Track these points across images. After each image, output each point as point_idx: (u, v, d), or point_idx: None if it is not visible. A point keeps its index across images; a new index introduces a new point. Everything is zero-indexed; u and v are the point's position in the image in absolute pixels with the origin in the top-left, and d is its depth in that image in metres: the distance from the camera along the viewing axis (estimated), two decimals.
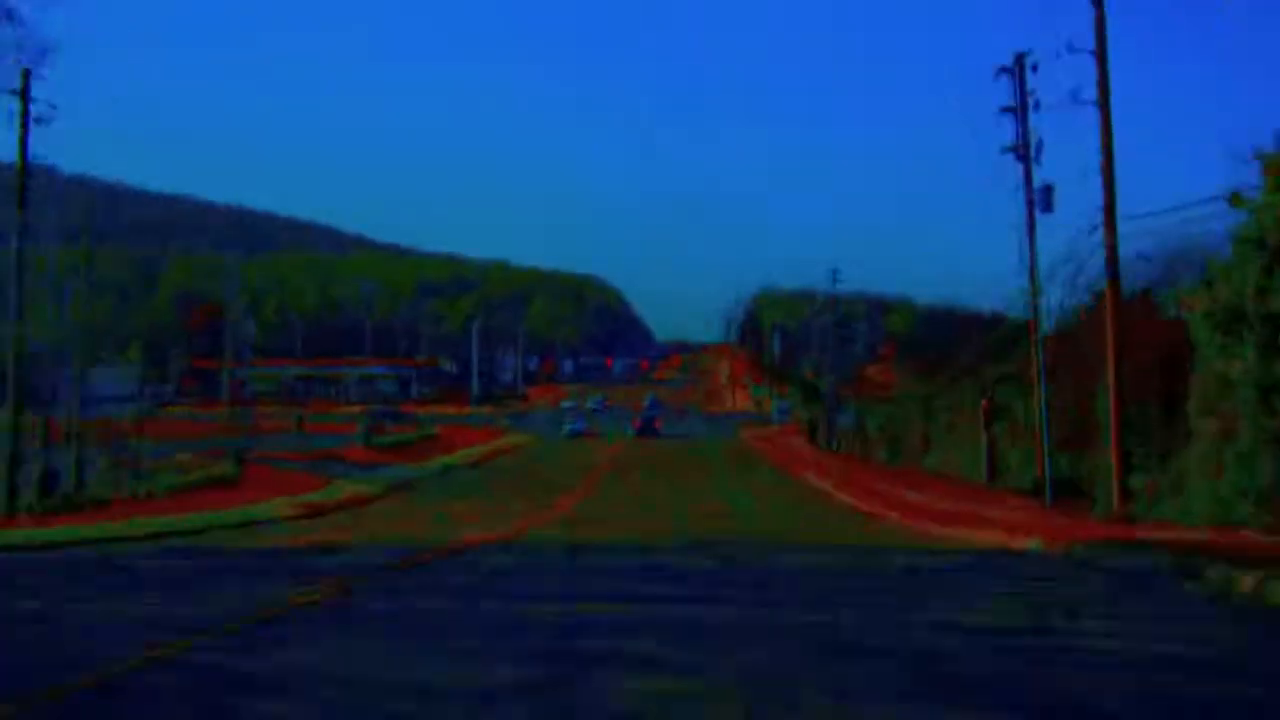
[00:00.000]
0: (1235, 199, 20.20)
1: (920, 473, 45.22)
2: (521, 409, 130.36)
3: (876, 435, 55.12)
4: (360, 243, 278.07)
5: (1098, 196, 25.91)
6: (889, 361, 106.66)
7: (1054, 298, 34.47)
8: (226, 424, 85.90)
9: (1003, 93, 32.82)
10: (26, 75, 34.27)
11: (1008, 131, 32.79)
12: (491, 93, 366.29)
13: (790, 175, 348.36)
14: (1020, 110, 32.62)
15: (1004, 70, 32.91)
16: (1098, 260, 26.69)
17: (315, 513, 34.59)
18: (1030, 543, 20.12)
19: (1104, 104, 26.18)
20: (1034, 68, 32.12)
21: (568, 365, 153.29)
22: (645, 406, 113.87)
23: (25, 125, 34.38)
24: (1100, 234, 26.06)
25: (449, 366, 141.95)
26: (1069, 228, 34.23)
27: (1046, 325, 33.87)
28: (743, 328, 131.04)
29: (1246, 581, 11.84)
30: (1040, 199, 32.22)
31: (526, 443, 79.11)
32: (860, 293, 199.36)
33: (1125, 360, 25.71)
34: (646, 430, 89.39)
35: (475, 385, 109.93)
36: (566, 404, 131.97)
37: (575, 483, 45.75)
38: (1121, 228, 25.92)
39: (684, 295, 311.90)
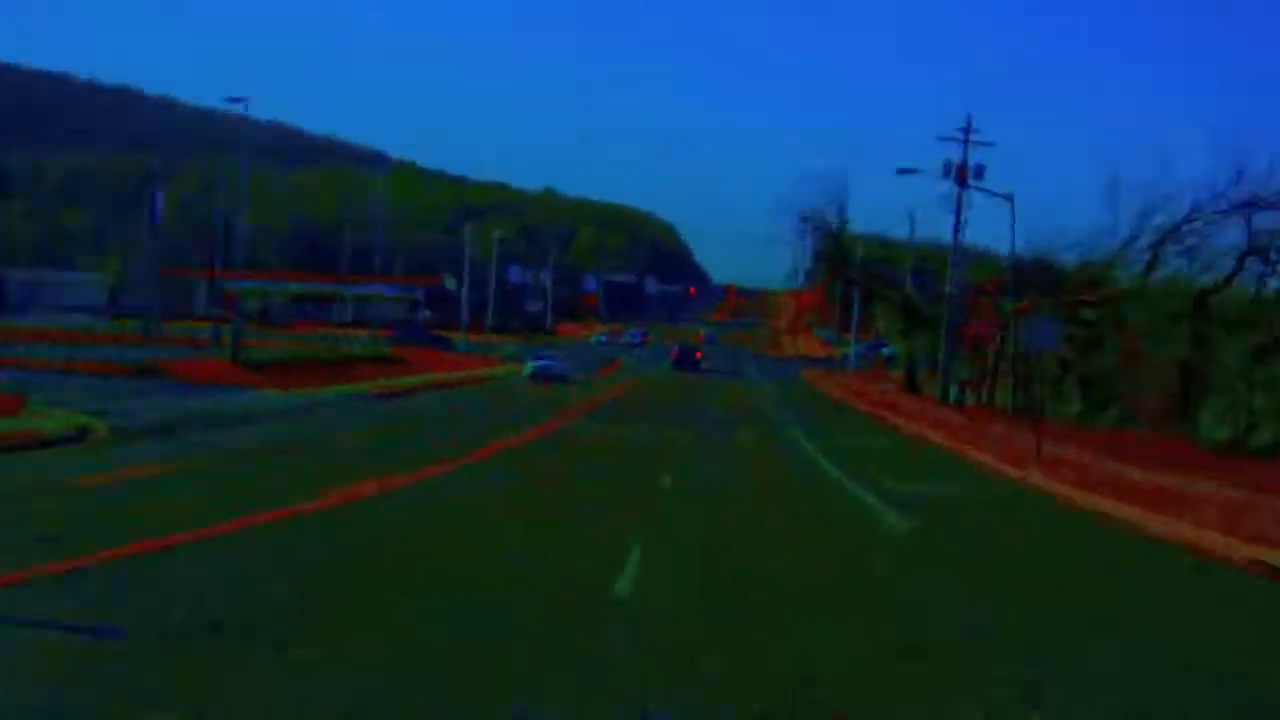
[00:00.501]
0: None
1: (1189, 446, 21.40)
2: (543, 340, 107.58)
3: (1058, 376, 31.20)
4: (404, 167, 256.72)
5: None
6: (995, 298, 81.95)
7: None
8: (130, 334, 64.67)
9: None
10: None
11: None
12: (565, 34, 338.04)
13: (869, 123, 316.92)
14: None
15: None
16: None
17: None
18: None
19: None
20: None
21: (590, 283, 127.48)
22: (701, 339, 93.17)
23: None
24: None
25: (458, 289, 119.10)
26: None
27: None
28: (824, 255, 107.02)
29: None
30: None
31: (509, 374, 56.05)
32: (934, 242, 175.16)
33: None
34: (685, 362, 67.62)
35: (465, 313, 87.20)
36: (598, 338, 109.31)
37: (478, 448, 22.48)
38: None
39: (745, 239, 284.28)
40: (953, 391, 43.12)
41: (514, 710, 5.70)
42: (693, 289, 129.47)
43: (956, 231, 43.94)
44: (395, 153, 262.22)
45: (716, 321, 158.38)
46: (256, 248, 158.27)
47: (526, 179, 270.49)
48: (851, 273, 50.88)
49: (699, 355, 69.72)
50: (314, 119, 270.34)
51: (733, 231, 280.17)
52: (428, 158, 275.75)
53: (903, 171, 41.72)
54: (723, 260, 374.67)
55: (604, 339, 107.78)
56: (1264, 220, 27.40)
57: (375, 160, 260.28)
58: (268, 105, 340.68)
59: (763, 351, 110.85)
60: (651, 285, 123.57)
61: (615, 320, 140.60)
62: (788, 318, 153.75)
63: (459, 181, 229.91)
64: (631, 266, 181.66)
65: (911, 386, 50.29)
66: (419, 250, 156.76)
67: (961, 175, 43.50)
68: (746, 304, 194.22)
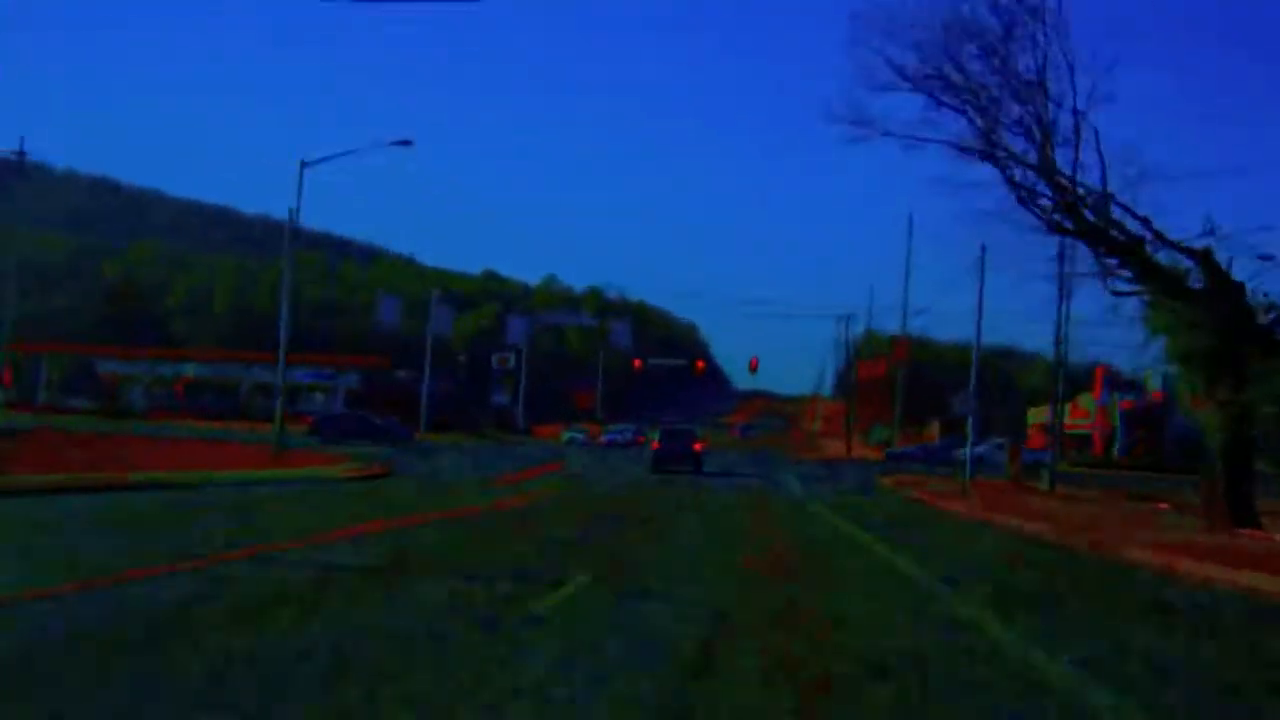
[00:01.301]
0: None
1: None
2: (513, 440, 75.86)
3: None
4: (401, 261, 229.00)
5: None
6: None
7: None
8: None
9: None
10: None
11: None
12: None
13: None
14: None
15: None
16: None
17: None
18: None
19: None
20: None
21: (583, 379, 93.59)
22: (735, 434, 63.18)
23: None
24: None
25: (406, 378, 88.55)
26: None
27: None
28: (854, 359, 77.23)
29: None
30: None
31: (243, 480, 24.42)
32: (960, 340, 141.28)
33: None
34: (672, 457, 37.56)
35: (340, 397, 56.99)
36: (571, 434, 78.11)
37: None
38: None
39: (772, 350, 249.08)
40: None
41: None
42: (700, 362, 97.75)
43: None
44: (394, 248, 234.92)
45: (733, 424, 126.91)
46: (196, 330, 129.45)
47: (529, 272, 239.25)
48: (1089, 206, 18.25)
49: (698, 446, 37.69)
50: (310, 217, 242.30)
51: (758, 336, 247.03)
52: (427, 254, 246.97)
53: None
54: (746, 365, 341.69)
55: (579, 437, 76.40)
56: None
57: (369, 255, 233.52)
58: (255, 200, 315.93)
59: (794, 455, 78.77)
60: (652, 362, 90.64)
61: (615, 421, 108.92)
62: (825, 416, 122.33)
63: (450, 274, 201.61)
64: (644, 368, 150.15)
65: (1239, 511, 17.95)
66: (387, 339, 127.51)
67: None
68: (772, 407, 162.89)
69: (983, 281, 42.51)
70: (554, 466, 38.33)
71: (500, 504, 21.35)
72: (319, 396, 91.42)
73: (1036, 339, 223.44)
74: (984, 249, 43.72)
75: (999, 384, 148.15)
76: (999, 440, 71.00)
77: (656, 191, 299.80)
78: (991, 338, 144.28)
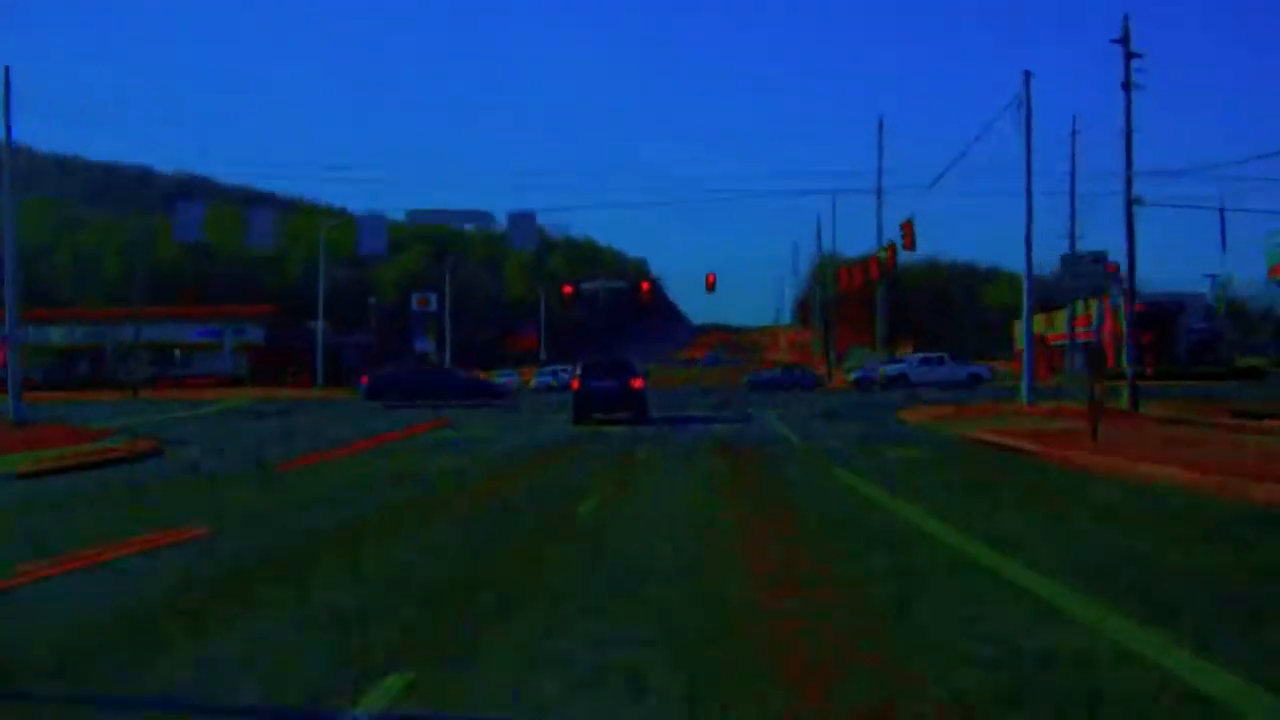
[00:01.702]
0: None
1: None
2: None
3: None
4: (331, 212, 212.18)
5: None
6: None
7: None
8: None
9: None
10: None
11: None
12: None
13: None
14: None
15: None
16: None
17: None
18: None
19: None
20: None
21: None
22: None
23: None
24: None
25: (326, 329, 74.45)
26: None
27: None
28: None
29: None
30: None
31: None
32: (933, 257, 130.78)
33: None
34: (602, 399, 24.87)
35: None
36: (502, 378, 65.50)
37: None
38: None
39: (726, 282, 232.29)
40: None
41: None
42: (645, 284, 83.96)
43: None
44: (325, 199, 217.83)
45: (692, 359, 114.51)
46: (86, 294, 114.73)
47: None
48: None
49: (638, 383, 24.55)
50: (226, 169, 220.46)
51: (711, 266, 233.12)
52: (359, 203, 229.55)
53: None
54: (701, 301, 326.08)
55: (506, 383, 63.54)
56: None
57: (294, 207, 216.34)
58: (175, 156, 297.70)
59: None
60: (593, 287, 76.05)
61: (560, 364, 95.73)
62: (789, 344, 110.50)
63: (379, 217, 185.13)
64: (585, 298, 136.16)
65: None
66: (294, 291, 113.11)
67: None
68: (730, 339, 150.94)
69: (1029, 111, 29.97)
70: (425, 427, 25.27)
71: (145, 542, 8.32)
72: (176, 353, 77.92)
73: (997, 255, 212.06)
74: (1028, 75, 31.05)
75: (966, 302, 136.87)
76: (936, 355, 59.23)
77: (604, 124, 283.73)
78: (957, 255, 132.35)
